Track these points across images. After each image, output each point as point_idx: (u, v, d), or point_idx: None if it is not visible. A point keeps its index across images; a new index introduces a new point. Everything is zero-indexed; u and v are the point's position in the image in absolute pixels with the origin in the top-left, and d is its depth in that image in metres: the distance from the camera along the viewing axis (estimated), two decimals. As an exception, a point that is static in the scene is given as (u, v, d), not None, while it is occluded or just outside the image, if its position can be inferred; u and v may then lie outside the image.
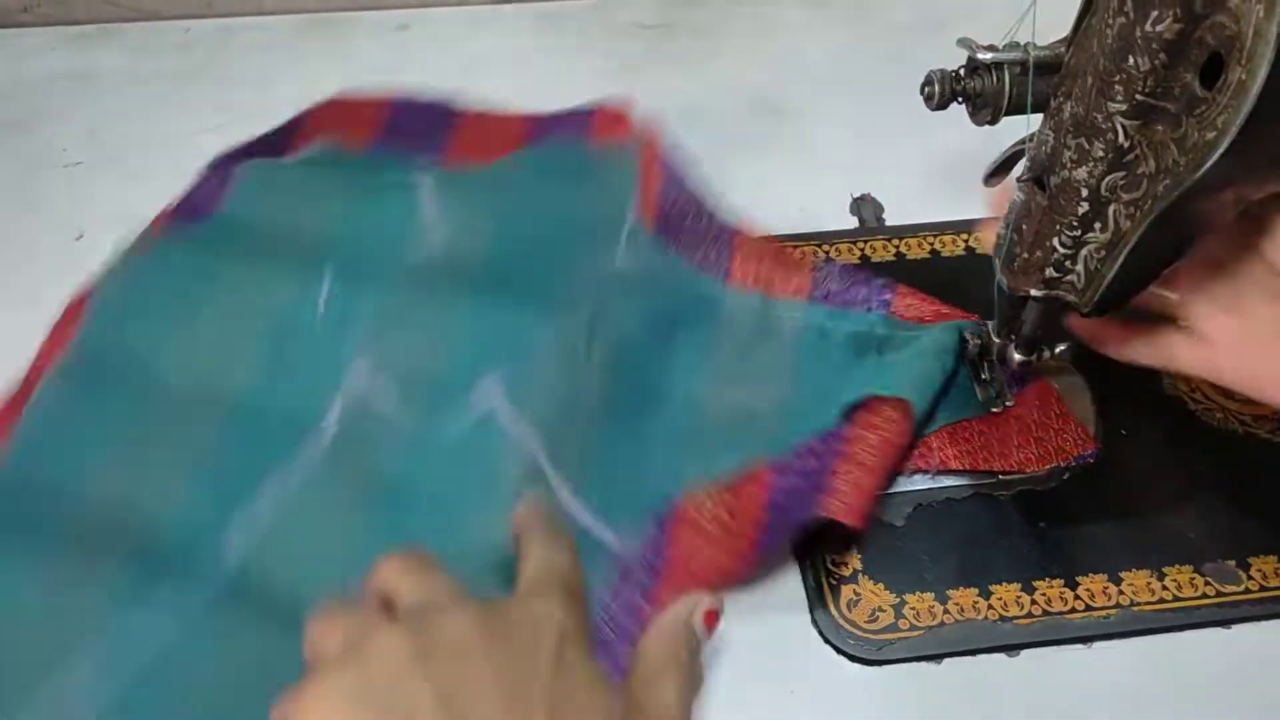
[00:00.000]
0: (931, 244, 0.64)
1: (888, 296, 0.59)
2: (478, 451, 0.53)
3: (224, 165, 0.65)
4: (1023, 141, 0.47)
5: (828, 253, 0.64)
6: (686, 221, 0.62)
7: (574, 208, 0.63)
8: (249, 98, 0.74)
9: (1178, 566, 0.51)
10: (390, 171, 0.65)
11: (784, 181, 0.69)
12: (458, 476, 0.52)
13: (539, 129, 0.68)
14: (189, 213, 0.63)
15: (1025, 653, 0.49)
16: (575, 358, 0.56)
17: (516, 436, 0.53)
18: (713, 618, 0.40)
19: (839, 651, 0.49)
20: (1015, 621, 0.50)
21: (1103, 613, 0.50)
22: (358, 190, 0.64)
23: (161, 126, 0.72)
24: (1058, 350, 0.54)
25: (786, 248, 0.62)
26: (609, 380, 0.56)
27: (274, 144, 0.67)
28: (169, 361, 0.56)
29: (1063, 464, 0.54)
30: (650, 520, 0.51)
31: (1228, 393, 0.57)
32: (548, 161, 0.66)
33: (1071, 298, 0.47)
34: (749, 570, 0.50)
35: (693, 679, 0.38)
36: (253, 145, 0.66)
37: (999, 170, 0.51)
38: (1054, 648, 0.49)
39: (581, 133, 0.67)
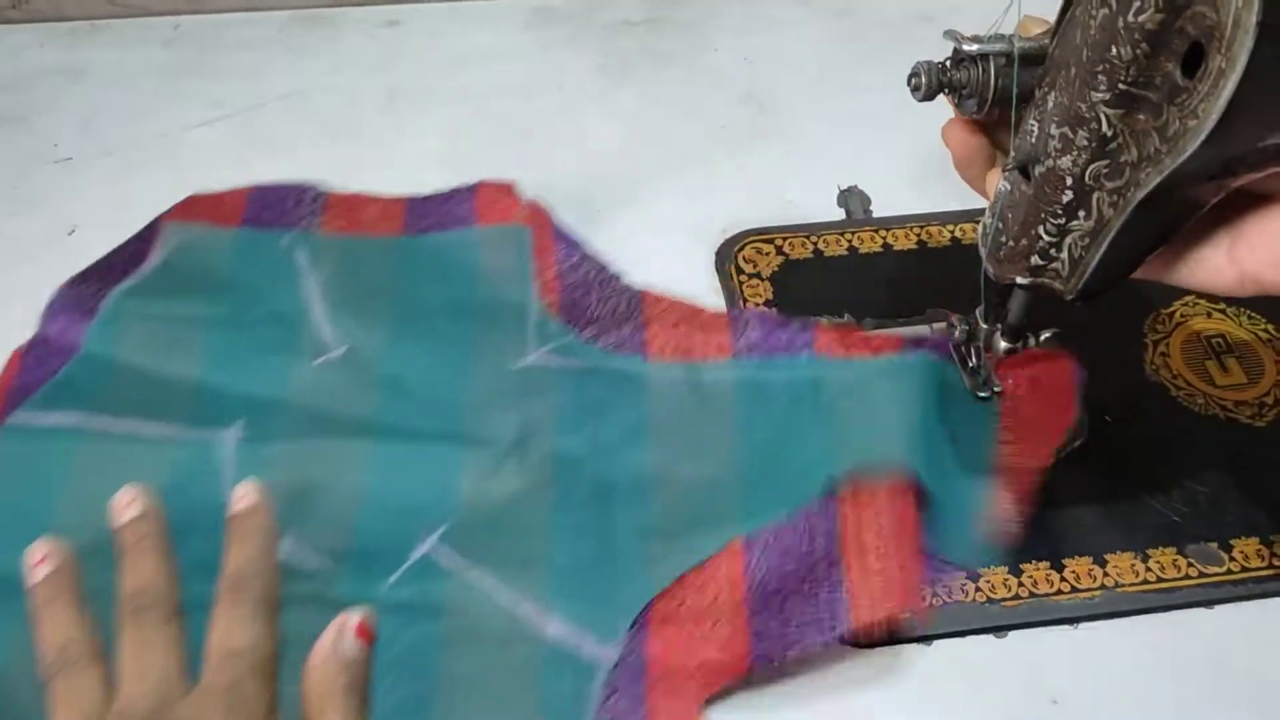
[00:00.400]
0: (918, 234, 0.65)
1: (809, 336, 0.58)
2: (423, 602, 0.50)
3: (70, 302, 0.59)
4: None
5: (815, 244, 0.64)
6: (591, 297, 0.61)
7: (472, 304, 0.60)
8: (240, 92, 0.74)
9: (1161, 549, 0.52)
10: (264, 269, 0.61)
11: (772, 174, 0.70)
12: (411, 633, 0.49)
13: (419, 211, 0.65)
14: (39, 368, 0.57)
15: (1013, 634, 0.50)
16: (508, 479, 0.54)
17: (459, 573, 0.51)
18: (363, 629, 0.39)
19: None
20: (1003, 603, 0.51)
21: (1088, 594, 0.51)
22: (231, 327, 0.59)
23: (152, 121, 0.72)
24: (1043, 337, 0.54)
25: (696, 306, 0.61)
26: (551, 489, 0.53)
27: (129, 253, 0.62)
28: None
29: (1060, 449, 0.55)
30: (626, 621, 0.49)
31: (1209, 379, 0.58)
32: (437, 254, 0.63)
33: (1057, 285, 0.47)
34: (743, 663, 0.48)
35: (359, 700, 0.38)
36: (109, 260, 0.62)
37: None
38: (1041, 629, 0.50)
39: (467, 215, 0.65)
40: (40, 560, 0.41)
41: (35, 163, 0.70)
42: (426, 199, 0.66)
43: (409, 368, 0.58)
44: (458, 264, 0.62)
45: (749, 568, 0.50)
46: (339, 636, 0.39)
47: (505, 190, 0.65)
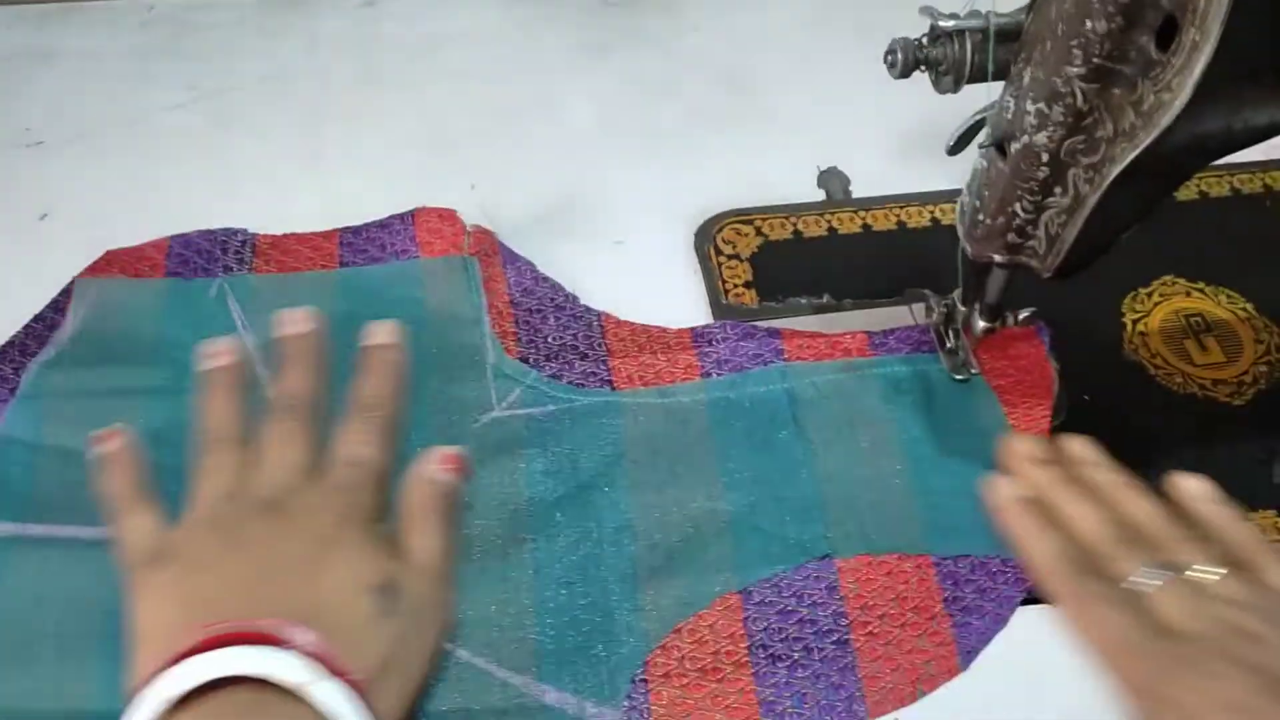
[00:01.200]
0: (898, 215, 0.65)
1: (777, 344, 0.58)
2: None
3: None
4: (984, 111, 0.48)
5: (795, 225, 0.64)
6: (549, 324, 0.59)
7: (424, 354, 0.57)
8: (215, 74, 0.73)
9: (1139, 527, 0.52)
10: (193, 324, 0.57)
11: (752, 156, 0.70)
12: None
13: (354, 244, 0.62)
14: None
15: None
16: (485, 539, 0.52)
17: (447, 650, 0.49)
18: (452, 459, 0.45)
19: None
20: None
21: (1066, 573, 0.51)
22: (167, 397, 0.55)
23: (126, 104, 0.71)
24: (1021, 316, 0.54)
25: (656, 327, 0.59)
26: (531, 543, 0.51)
27: (47, 323, 0.58)
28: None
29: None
30: (624, 680, 0.48)
31: (1188, 358, 0.58)
32: (379, 292, 0.60)
33: (1034, 263, 0.47)
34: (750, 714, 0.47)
35: (449, 523, 0.44)
36: (24, 335, 0.58)
37: (962, 140, 0.51)
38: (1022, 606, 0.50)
39: (407, 246, 0.62)
40: (217, 353, 0.49)
41: (6, 147, 0.69)
42: (360, 229, 0.63)
43: None
44: (404, 303, 0.59)
45: (748, 625, 0.49)
46: (432, 464, 0.45)
47: (447, 218, 0.63)
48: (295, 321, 0.50)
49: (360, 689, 0.37)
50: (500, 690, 0.47)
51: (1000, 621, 0.49)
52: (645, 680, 0.48)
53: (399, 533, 0.44)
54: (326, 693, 0.36)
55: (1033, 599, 0.50)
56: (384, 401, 0.47)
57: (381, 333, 0.48)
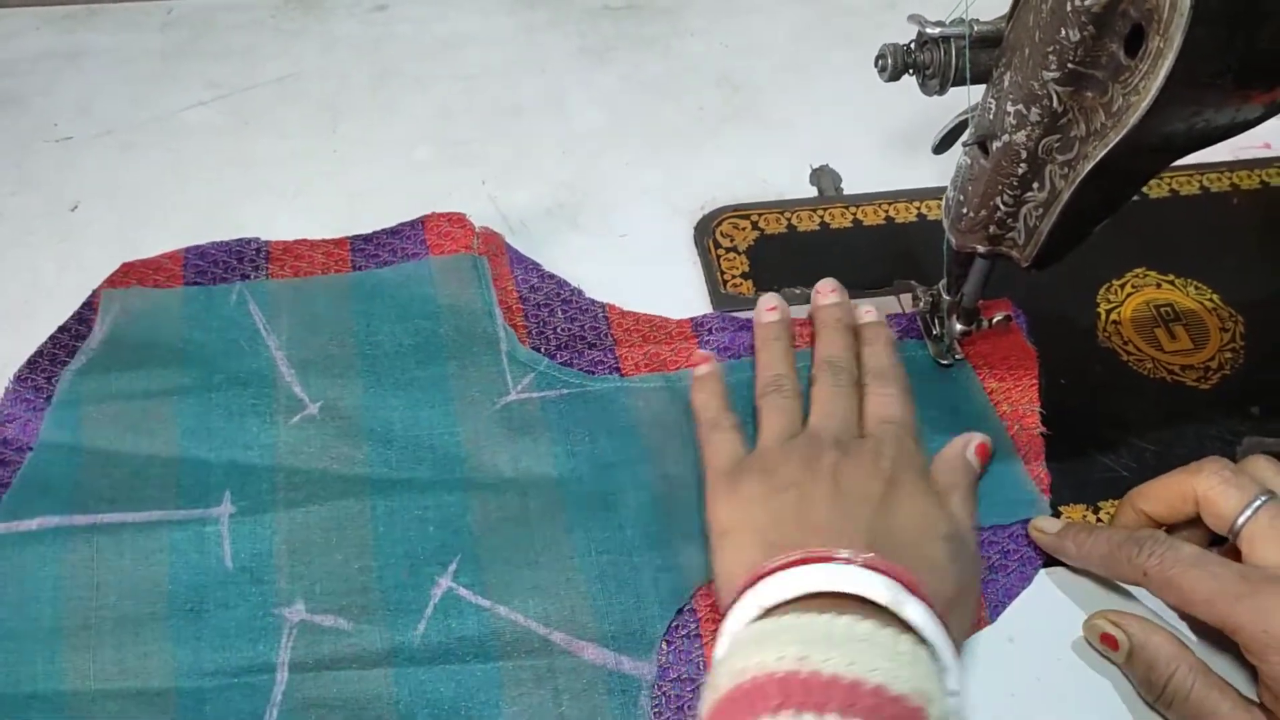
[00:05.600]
0: (887, 211, 0.68)
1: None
2: (459, 644, 0.49)
3: (22, 396, 0.57)
4: (967, 112, 0.51)
5: (789, 220, 0.68)
6: (557, 316, 0.61)
7: (441, 344, 0.60)
8: (234, 74, 0.76)
9: (1111, 501, 0.55)
10: (218, 328, 0.60)
11: (747, 154, 0.73)
12: (461, 678, 0.48)
13: (365, 250, 0.64)
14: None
15: (973, 579, 0.54)
16: (514, 511, 0.54)
17: (486, 610, 0.50)
18: (984, 449, 0.53)
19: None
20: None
21: (1044, 543, 0.54)
22: (199, 395, 0.57)
23: (150, 102, 0.74)
24: (995, 319, 0.58)
25: (659, 317, 0.62)
26: (560, 510, 0.54)
27: (73, 333, 0.60)
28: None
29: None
30: (659, 636, 0.50)
31: (1158, 345, 0.62)
32: (394, 291, 0.62)
33: (1014, 253, 0.51)
34: None
35: (973, 502, 0.51)
36: (53, 345, 0.59)
37: (947, 140, 0.55)
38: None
39: (418, 249, 0.64)
40: (771, 308, 0.59)
41: (35, 142, 0.72)
42: (371, 236, 0.65)
43: (392, 419, 0.56)
44: (417, 300, 0.61)
45: None
46: (966, 446, 0.53)
47: (456, 221, 0.65)
48: (828, 292, 0.59)
49: (942, 618, 0.41)
50: (545, 650, 0.49)
51: (1025, 580, 0.52)
52: (699, 634, 0.50)
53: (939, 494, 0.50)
54: (916, 612, 0.40)
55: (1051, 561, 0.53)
56: (892, 365, 0.55)
57: (868, 312, 0.58)
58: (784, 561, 0.42)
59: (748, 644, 0.39)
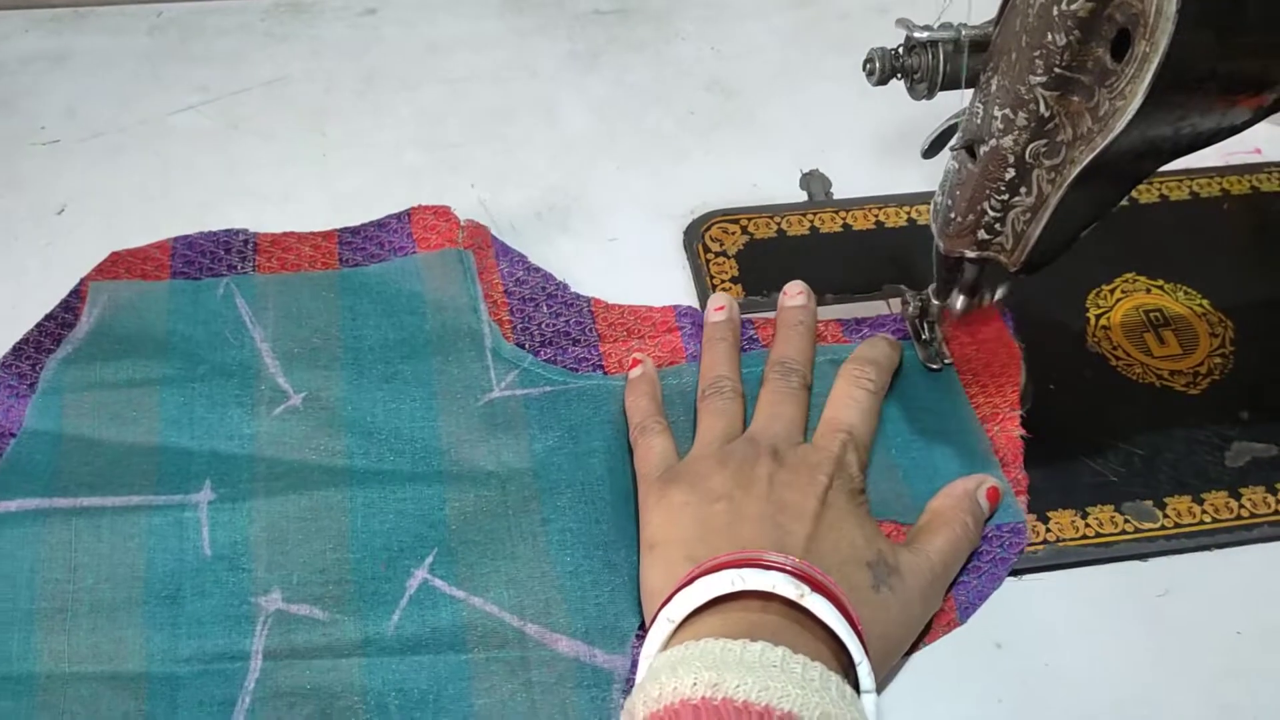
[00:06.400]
0: (876, 215, 0.68)
1: (751, 332, 0.61)
2: (433, 635, 0.50)
3: (6, 382, 0.57)
4: (955, 117, 0.51)
5: (779, 224, 0.68)
6: (542, 311, 0.61)
7: (426, 339, 0.60)
8: (222, 78, 0.76)
9: (1100, 506, 0.55)
10: (204, 320, 0.60)
11: (737, 159, 0.73)
12: (434, 668, 0.49)
13: (352, 243, 0.65)
14: None
15: (962, 585, 0.53)
16: (491, 503, 0.54)
17: (460, 601, 0.51)
18: (994, 493, 0.52)
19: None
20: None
21: (1032, 548, 0.54)
22: (183, 385, 0.57)
23: (138, 106, 0.74)
24: (998, 294, 0.57)
25: (643, 307, 0.62)
26: (536, 503, 0.54)
27: (59, 322, 0.60)
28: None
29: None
30: (630, 629, 0.50)
31: (1147, 350, 0.62)
32: (380, 287, 0.62)
33: (1002, 258, 0.51)
34: None
35: (966, 540, 0.50)
36: (39, 333, 0.59)
37: (935, 144, 0.55)
38: (988, 580, 0.54)
39: (404, 244, 0.64)
40: (719, 308, 0.58)
41: (22, 144, 0.71)
42: (359, 229, 0.65)
43: (375, 411, 0.57)
44: (403, 295, 0.61)
45: None
46: (978, 486, 0.52)
47: (442, 214, 0.65)
48: (794, 294, 0.59)
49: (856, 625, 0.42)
50: (519, 642, 0.50)
51: (995, 580, 0.52)
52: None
53: (914, 527, 0.50)
54: (817, 604, 0.42)
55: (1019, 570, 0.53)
56: (873, 360, 0.54)
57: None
58: (706, 568, 0.44)
59: (661, 670, 0.40)
